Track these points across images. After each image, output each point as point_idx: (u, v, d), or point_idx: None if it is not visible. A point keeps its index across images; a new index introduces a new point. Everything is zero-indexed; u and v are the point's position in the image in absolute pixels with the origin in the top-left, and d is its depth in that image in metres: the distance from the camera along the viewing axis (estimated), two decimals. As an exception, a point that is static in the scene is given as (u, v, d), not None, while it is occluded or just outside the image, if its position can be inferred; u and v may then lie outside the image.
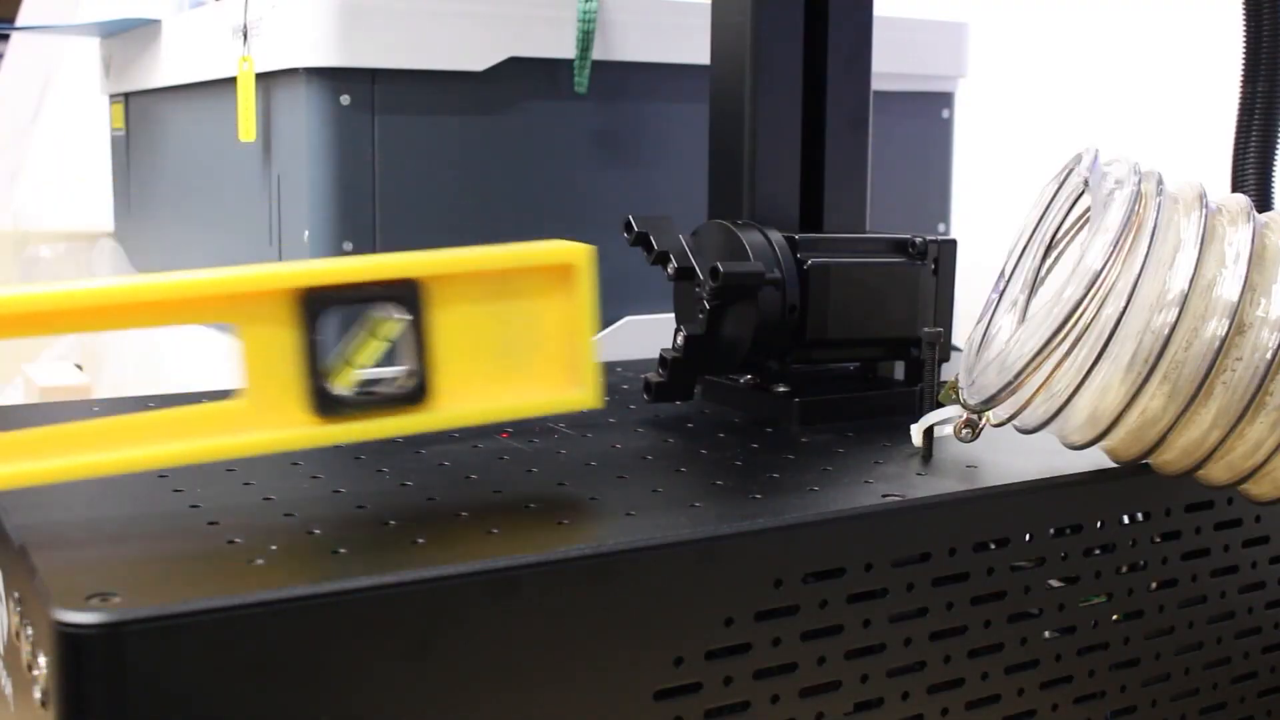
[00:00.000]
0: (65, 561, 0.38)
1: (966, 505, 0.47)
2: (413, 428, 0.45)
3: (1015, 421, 0.48)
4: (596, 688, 0.40)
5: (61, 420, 0.53)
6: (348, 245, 0.81)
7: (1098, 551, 0.51)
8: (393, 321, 0.44)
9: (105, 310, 0.41)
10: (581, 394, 0.47)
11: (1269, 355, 0.45)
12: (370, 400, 0.44)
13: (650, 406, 0.62)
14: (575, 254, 0.47)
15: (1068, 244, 0.53)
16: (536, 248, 0.47)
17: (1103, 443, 0.48)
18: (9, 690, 0.42)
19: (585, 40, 0.85)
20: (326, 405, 0.43)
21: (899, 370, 0.66)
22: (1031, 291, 0.53)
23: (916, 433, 0.53)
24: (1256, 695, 0.57)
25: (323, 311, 0.42)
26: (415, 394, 0.44)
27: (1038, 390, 0.46)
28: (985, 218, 1.05)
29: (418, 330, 0.44)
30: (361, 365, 0.44)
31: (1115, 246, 0.44)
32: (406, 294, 0.44)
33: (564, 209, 0.88)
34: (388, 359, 0.45)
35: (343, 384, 0.43)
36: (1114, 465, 0.50)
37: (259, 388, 0.42)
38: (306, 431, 0.43)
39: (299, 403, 0.43)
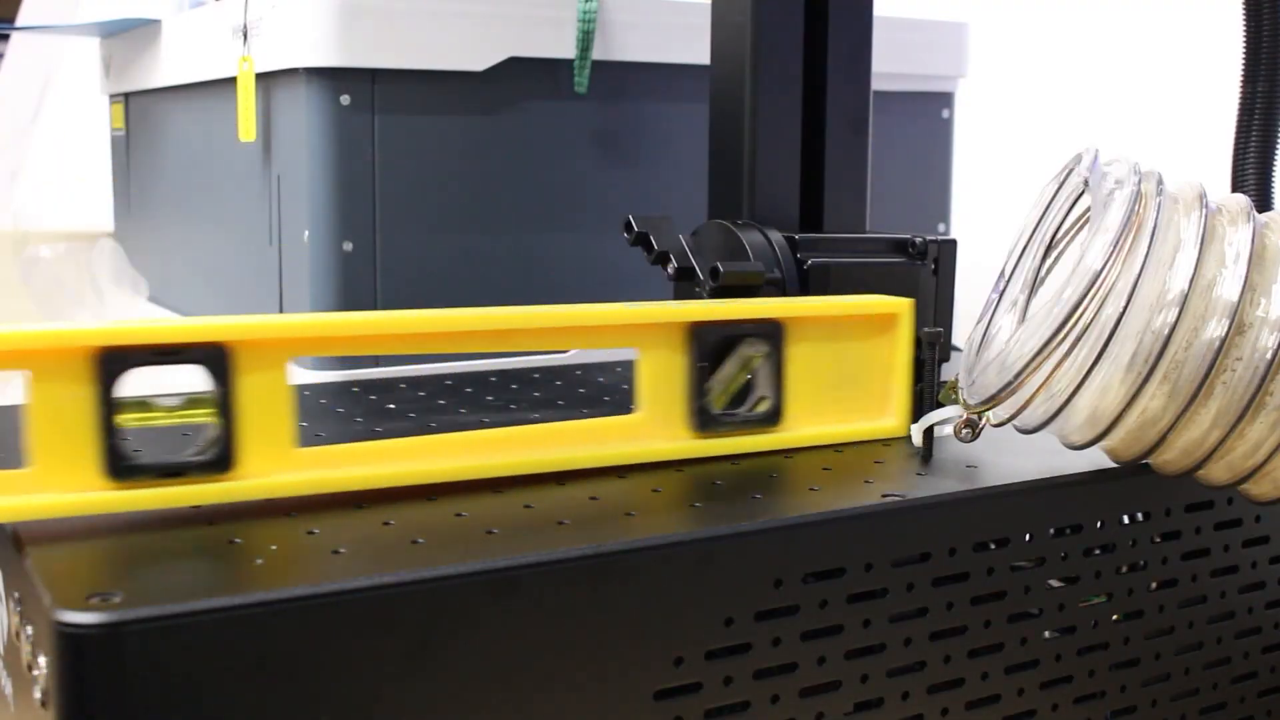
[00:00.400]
0: (65, 561, 0.38)
1: (966, 505, 0.47)
2: (768, 446, 0.52)
3: (1015, 421, 0.48)
4: (596, 688, 0.40)
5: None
6: (348, 245, 0.81)
7: (1098, 551, 0.51)
8: (757, 355, 0.52)
9: (518, 333, 0.49)
10: (895, 424, 0.55)
11: (1269, 355, 0.45)
12: (737, 420, 0.51)
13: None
14: (900, 306, 0.55)
15: (1068, 244, 0.53)
16: (870, 299, 0.55)
17: (1103, 443, 0.48)
18: (9, 690, 0.42)
19: (585, 40, 0.85)
20: (705, 423, 0.51)
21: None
22: (1031, 291, 0.53)
23: (916, 433, 0.53)
24: (1256, 695, 0.57)
25: (707, 343, 0.50)
26: (772, 417, 0.52)
27: (1038, 390, 0.46)
28: (985, 218, 1.05)
29: (777, 363, 0.52)
30: (732, 391, 0.52)
31: (1115, 246, 0.44)
32: (772, 332, 0.52)
33: (564, 209, 0.88)
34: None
35: (718, 405, 0.51)
36: (1114, 465, 0.50)
37: (653, 404, 0.50)
38: (687, 444, 0.51)
39: (683, 419, 0.51)
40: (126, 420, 0.42)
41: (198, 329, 0.42)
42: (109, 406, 0.41)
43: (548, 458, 0.48)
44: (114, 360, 0.41)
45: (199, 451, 0.43)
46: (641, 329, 0.50)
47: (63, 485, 0.41)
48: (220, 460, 0.43)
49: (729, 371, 0.52)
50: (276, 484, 0.44)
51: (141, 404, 0.43)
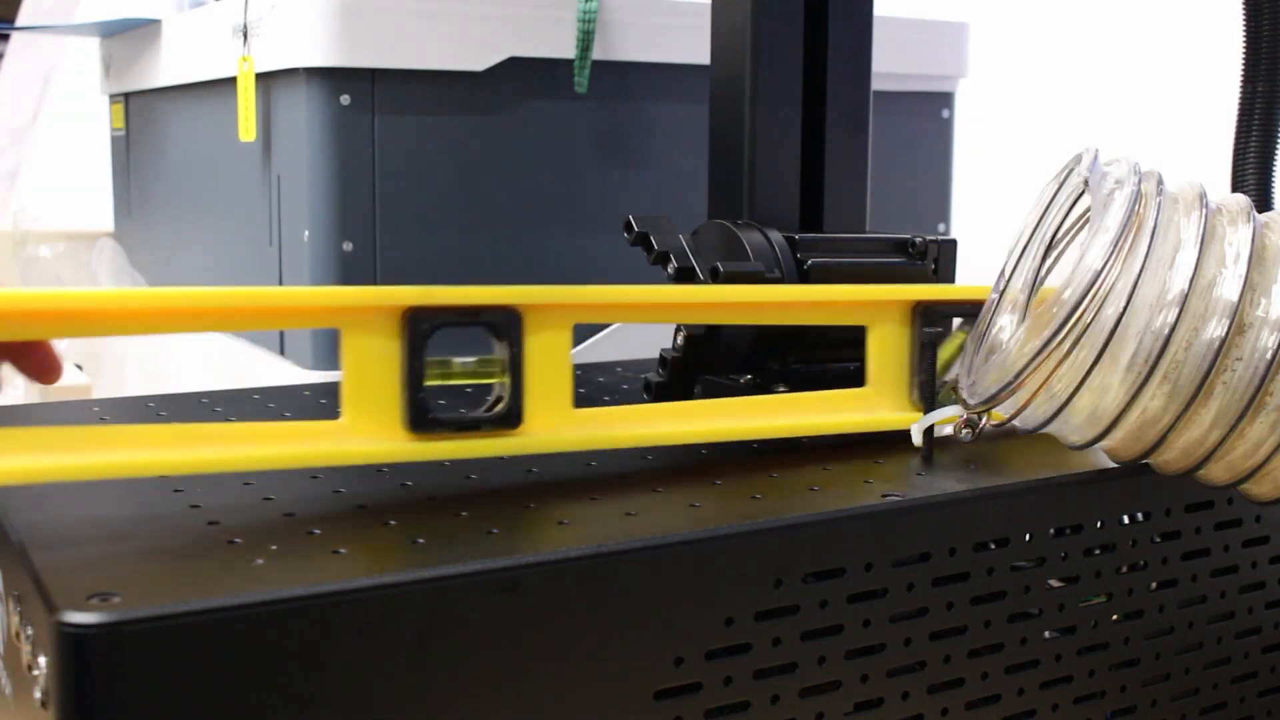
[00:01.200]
0: (65, 561, 0.38)
1: (966, 505, 0.47)
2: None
3: (1015, 421, 0.48)
4: (596, 688, 0.40)
5: (64, 421, 0.54)
6: (348, 245, 0.81)
7: (1098, 551, 0.51)
8: (963, 332, 0.56)
9: (763, 306, 0.53)
10: None
11: (1269, 355, 0.45)
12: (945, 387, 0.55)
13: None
14: None
15: (1068, 244, 0.53)
16: None
17: (1103, 443, 0.48)
18: (9, 690, 0.42)
19: (585, 40, 0.85)
20: (925, 396, 0.55)
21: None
22: (1031, 291, 0.53)
23: (916, 433, 0.53)
24: (1256, 695, 0.57)
25: (931, 321, 0.55)
26: None
27: (1038, 390, 0.46)
28: (985, 218, 1.05)
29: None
30: (949, 364, 0.56)
31: (1115, 246, 0.44)
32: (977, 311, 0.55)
33: (564, 209, 0.88)
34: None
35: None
36: (1114, 465, 0.50)
37: (879, 377, 0.55)
38: (906, 415, 0.55)
39: (904, 391, 0.55)
40: (429, 378, 0.45)
41: (495, 292, 0.45)
42: (417, 362, 0.44)
43: (790, 423, 0.52)
44: (421, 319, 0.44)
45: (489, 408, 0.46)
46: (868, 306, 0.54)
47: (370, 435, 0.44)
48: (510, 416, 0.46)
49: (951, 348, 0.55)
50: (559, 440, 0.47)
51: (442, 363, 0.47)
